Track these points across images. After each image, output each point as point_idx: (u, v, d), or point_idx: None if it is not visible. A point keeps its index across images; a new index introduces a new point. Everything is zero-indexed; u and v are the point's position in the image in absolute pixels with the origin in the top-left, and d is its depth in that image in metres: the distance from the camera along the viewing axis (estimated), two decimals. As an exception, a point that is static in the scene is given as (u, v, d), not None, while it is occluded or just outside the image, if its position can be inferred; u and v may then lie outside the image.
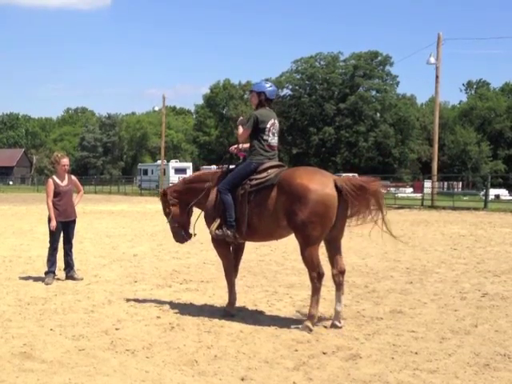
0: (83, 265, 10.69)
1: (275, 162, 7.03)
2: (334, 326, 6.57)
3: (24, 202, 35.74)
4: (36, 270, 10.08)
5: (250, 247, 9.78)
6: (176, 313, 7.22)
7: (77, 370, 5.15)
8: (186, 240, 7.78)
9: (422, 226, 19.85)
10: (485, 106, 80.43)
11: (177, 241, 7.85)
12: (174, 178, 47.92)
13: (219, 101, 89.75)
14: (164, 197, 7.69)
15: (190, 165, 63.89)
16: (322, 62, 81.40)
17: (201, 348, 5.80)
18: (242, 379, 4.98)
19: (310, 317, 6.44)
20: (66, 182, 9.48)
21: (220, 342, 6.04)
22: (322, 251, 6.63)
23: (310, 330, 6.34)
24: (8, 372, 5.10)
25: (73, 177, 9.78)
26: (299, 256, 6.65)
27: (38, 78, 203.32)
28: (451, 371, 5.17)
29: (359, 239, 13.55)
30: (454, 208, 30.10)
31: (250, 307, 7.60)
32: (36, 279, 9.38)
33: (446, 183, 54.64)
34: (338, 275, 6.59)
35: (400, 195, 43.21)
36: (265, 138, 6.95)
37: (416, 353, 5.68)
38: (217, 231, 6.95)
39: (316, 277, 6.41)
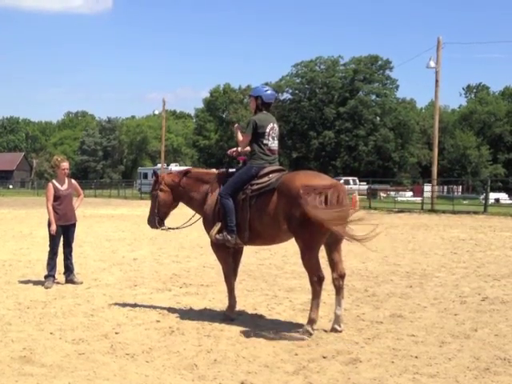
0: (83, 268, 10.69)
1: (276, 167, 7.02)
2: (333, 329, 6.57)
3: (24, 206, 35.74)
4: (36, 274, 10.07)
5: (249, 251, 9.79)
6: (176, 317, 7.22)
7: (76, 374, 5.15)
8: (156, 228, 7.81)
9: (421, 230, 19.85)
10: (484, 110, 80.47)
11: (148, 223, 7.88)
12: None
13: (219, 105, 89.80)
14: (158, 179, 7.72)
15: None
16: (321, 66, 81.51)
17: (200, 352, 5.80)
18: (242, 383, 4.97)
19: (310, 321, 6.43)
20: (65, 186, 9.48)
21: (220, 346, 6.03)
22: (322, 255, 6.63)
23: (310, 334, 6.33)
24: (8, 376, 5.09)
25: (73, 181, 9.78)
26: (299, 260, 6.64)
27: (39, 81, 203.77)
28: (451, 375, 5.16)
29: (359, 243, 13.52)
30: (453, 212, 30.10)
31: (250, 311, 7.60)
32: (36, 283, 9.37)
33: (445, 187, 54.54)
34: (338, 279, 6.58)
35: (400, 199, 43.28)
36: (265, 142, 6.95)
37: (416, 357, 5.68)
38: (217, 236, 6.95)
39: (316, 281, 6.40)
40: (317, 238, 6.34)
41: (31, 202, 41.36)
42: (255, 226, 6.74)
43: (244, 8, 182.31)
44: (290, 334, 6.38)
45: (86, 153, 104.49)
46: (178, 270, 10.90)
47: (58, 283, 9.39)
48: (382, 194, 48.67)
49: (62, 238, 9.45)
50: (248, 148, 7.20)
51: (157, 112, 68.16)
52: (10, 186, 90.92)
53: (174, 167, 63.02)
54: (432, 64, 33.76)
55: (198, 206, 7.44)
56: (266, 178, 6.79)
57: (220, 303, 7.91)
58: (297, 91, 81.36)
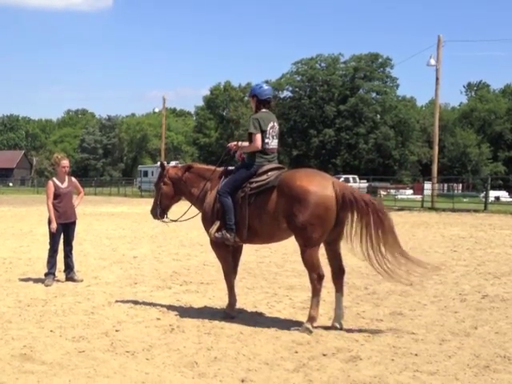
0: (83, 266, 10.69)
1: (275, 165, 7.01)
2: (334, 327, 6.57)
3: (24, 204, 35.75)
4: (36, 272, 10.07)
5: (249, 249, 9.79)
6: (176, 314, 7.22)
7: (77, 372, 5.15)
8: (158, 219, 7.88)
9: (421, 228, 19.85)
10: (485, 107, 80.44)
11: (151, 213, 7.96)
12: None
13: (219, 103, 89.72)
14: (163, 172, 7.77)
15: None
16: (322, 64, 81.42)
17: (201, 350, 5.80)
18: (242, 381, 4.97)
19: (310, 318, 6.43)
20: (66, 184, 9.48)
21: (220, 343, 6.04)
22: (322, 252, 6.63)
23: (310, 332, 6.34)
24: (8, 374, 5.10)
25: (73, 178, 9.79)
26: (299, 258, 6.65)
27: (39, 79, 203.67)
28: (451, 373, 5.17)
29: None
30: (453, 210, 30.11)
31: (250, 309, 7.60)
32: (36, 281, 9.38)
33: (446, 185, 54.64)
34: (338, 277, 6.58)
35: (400, 197, 43.25)
36: (265, 140, 6.93)
37: (416, 355, 5.68)
38: (216, 234, 6.94)
39: (316, 278, 6.41)
40: (316, 236, 6.34)
41: (31, 200, 41.36)
42: (254, 224, 6.73)
43: (244, 6, 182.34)
44: (290, 332, 6.39)
45: (86, 151, 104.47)
46: (178, 267, 10.91)
47: (58, 281, 9.40)
48: (383, 192, 48.66)
49: (62, 236, 9.46)
50: (246, 143, 7.21)
51: (157, 110, 68.10)
52: (10, 184, 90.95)
53: (174, 165, 63.12)
54: (432, 62, 33.75)
55: (197, 202, 7.45)
56: (264, 176, 6.78)
57: (220, 301, 7.91)
58: (297, 89, 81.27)
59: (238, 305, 7.41)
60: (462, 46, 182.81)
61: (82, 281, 9.41)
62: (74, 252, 9.74)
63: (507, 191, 49.64)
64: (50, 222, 9.29)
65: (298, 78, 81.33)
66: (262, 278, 9.86)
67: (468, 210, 29.66)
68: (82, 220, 16.34)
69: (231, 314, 7.13)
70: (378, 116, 77.46)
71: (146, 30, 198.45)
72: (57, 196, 9.33)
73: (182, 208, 7.94)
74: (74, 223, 9.63)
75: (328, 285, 7.35)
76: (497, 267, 11.13)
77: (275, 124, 7.07)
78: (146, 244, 14.67)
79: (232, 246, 7.12)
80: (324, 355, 5.67)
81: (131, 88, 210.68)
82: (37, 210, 27.15)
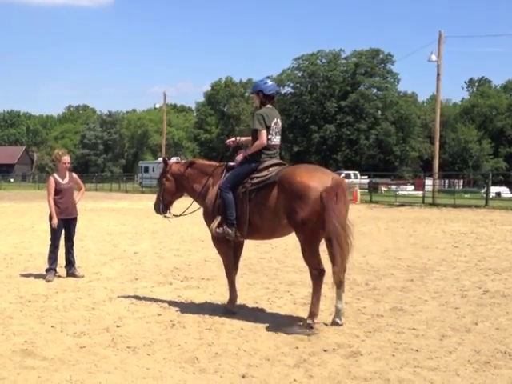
0: (84, 262, 10.70)
1: (276, 160, 7.01)
2: (334, 323, 6.58)
3: (25, 200, 35.77)
4: (37, 268, 10.09)
5: (250, 245, 9.79)
6: (177, 310, 7.23)
7: (78, 367, 5.16)
8: (161, 214, 7.91)
9: (422, 224, 19.85)
10: (486, 103, 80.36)
11: (154, 208, 8.00)
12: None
13: (220, 98, 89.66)
14: (166, 167, 7.80)
15: None
16: (323, 60, 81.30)
17: (201, 345, 5.81)
18: (243, 376, 4.98)
19: (311, 314, 6.43)
20: (66, 180, 9.48)
21: (221, 339, 6.04)
22: (323, 248, 6.63)
23: (311, 328, 6.34)
24: (9, 369, 5.11)
25: (74, 174, 9.79)
26: (300, 254, 6.65)
27: (39, 75, 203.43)
28: (452, 369, 5.17)
29: (360, 237, 13.53)
30: (454, 206, 30.09)
31: (251, 305, 7.61)
32: (37, 276, 9.39)
33: (447, 181, 54.57)
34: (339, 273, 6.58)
35: (401, 193, 43.25)
36: (268, 136, 6.92)
37: (417, 350, 5.69)
38: (217, 229, 6.95)
39: (317, 274, 6.41)
40: (317, 232, 6.33)
41: (32, 196, 41.39)
42: (255, 219, 6.73)
43: (245, 2, 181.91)
44: (291, 328, 6.39)
45: (86, 146, 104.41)
46: (179, 263, 10.92)
47: (59, 277, 9.41)
48: (383, 188, 48.65)
49: (63, 232, 9.47)
50: (245, 138, 7.21)
51: (158, 106, 68.00)
52: (11, 180, 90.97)
53: (175, 161, 63.11)
54: (433, 58, 33.67)
55: (199, 198, 7.46)
56: (265, 172, 6.77)
57: (221, 297, 7.92)
58: (298, 85, 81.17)
59: (239, 300, 7.42)
60: (464, 42, 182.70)
61: (83, 276, 9.42)
62: (75, 248, 9.75)
63: (508, 187, 49.57)
64: (51, 218, 9.30)
65: (299, 74, 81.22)
66: (263, 274, 9.86)
67: (469, 206, 29.64)
68: (83, 216, 16.35)
69: (232, 309, 7.14)
70: (379, 112, 77.37)
71: (147, 26, 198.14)
72: (58, 192, 9.34)
73: (182, 204, 7.95)
74: (75, 219, 9.63)
75: (329, 281, 7.35)
76: (498, 263, 11.13)
77: (278, 120, 7.07)
78: (146, 240, 14.68)
79: (233, 241, 7.12)
80: (325, 351, 5.68)
81: (132, 84, 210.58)
82: (38, 206, 27.16)
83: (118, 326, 6.50)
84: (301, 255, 6.62)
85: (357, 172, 55.01)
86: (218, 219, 6.95)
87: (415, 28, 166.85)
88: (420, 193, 38.59)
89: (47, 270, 9.33)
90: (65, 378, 4.91)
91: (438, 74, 34.08)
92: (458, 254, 12.28)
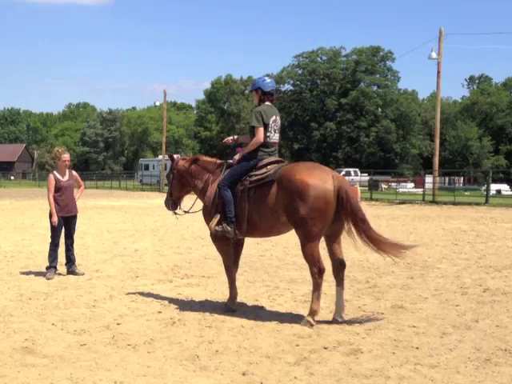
0: (84, 260, 10.71)
1: (275, 158, 7.00)
2: (335, 320, 6.58)
3: (25, 197, 35.79)
4: (37, 265, 10.09)
5: (250, 242, 9.80)
6: (177, 308, 7.23)
7: (78, 365, 5.16)
8: (171, 210, 7.97)
9: (423, 221, 19.85)
10: (487, 101, 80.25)
11: (165, 204, 8.09)
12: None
13: (220, 96, 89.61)
14: (173, 163, 7.87)
15: None
16: (323, 57, 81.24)
17: (202, 343, 5.81)
18: (244, 374, 4.98)
19: (312, 312, 6.44)
20: (66, 178, 9.48)
21: (221, 336, 6.04)
22: (323, 246, 6.63)
23: (311, 325, 6.34)
24: (9, 367, 5.11)
25: (74, 172, 9.79)
26: (300, 251, 6.64)
27: (40, 72, 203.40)
28: (452, 366, 5.17)
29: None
30: (455, 203, 30.10)
31: (251, 302, 7.60)
32: (37, 274, 9.39)
33: (447, 178, 54.54)
34: (339, 270, 6.59)
35: (401, 190, 43.23)
36: (267, 134, 6.92)
37: (417, 348, 5.69)
38: (216, 227, 6.94)
39: (317, 272, 6.40)
40: (317, 230, 6.33)
41: (32, 193, 41.41)
42: (254, 217, 6.73)
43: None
44: (292, 325, 6.39)
45: (87, 144, 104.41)
46: (180, 261, 10.92)
47: (59, 274, 9.41)
48: (384, 186, 48.67)
49: (63, 230, 9.47)
50: (243, 137, 7.21)
51: (158, 103, 67.96)
52: (12, 177, 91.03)
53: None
54: (434, 55, 33.63)
55: (200, 194, 7.48)
56: (264, 170, 6.77)
57: (221, 294, 7.92)
58: (298, 82, 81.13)
59: (239, 298, 7.42)
60: (464, 39, 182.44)
61: (83, 274, 9.42)
62: (75, 245, 9.75)
63: (508, 184, 49.59)
64: (51, 216, 9.30)
65: (300, 72, 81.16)
66: (264, 272, 9.86)
67: (469, 204, 29.65)
68: (83, 213, 16.37)
69: (232, 307, 7.14)
70: (380, 109, 77.36)
71: (147, 23, 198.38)
72: (58, 189, 9.34)
73: (188, 201, 7.96)
74: (75, 217, 9.64)
75: (329, 278, 7.36)
76: (498, 260, 11.13)
77: (277, 118, 7.07)
78: (147, 237, 14.68)
79: (233, 239, 7.12)
80: (325, 348, 5.68)
81: (132, 81, 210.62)
82: (38, 204, 27.17)
83: (118, 324, 6.50)
84: (301, 253, 6.62)
85: (357, 169, 55.04)
86: (217, 217, 6.95)
87: (415, 25, 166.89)
88: (420, 190, 38.60)
89: (47, 268, 9.33)
90: (65, 375, 4.91)
91: (439, 72, 34.04)
92: (458, 252, 12.28)
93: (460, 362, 5.29)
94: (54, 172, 9.56)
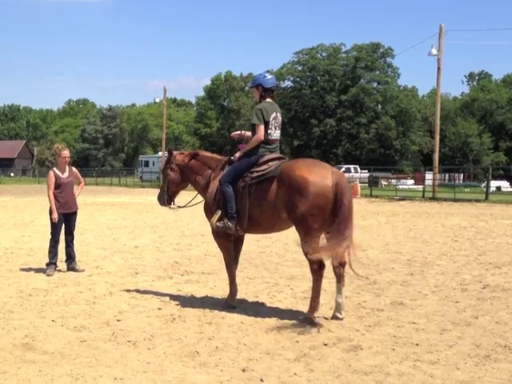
0: (84, 256, 10.71)
1: (276, 155, 7.00)
2: (334, 317, 6.58)
3: (25, 194, 35.78)
4: (37, 262, 10.09)
5: (250, 239, 9.78)
6: (177, 304, 7.24)
7: (78, 361, 5.16)
8: (165, 205, 7.92)
9: (423, 218, 19.85)
10: (486, 97, 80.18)
11: (158, 199, 8.02)
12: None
13: (220, 92, 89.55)
14: (170, 157, 7.80)
15: None
16: (323, 54, 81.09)
17: (202, 339, 5.81)
18: (243, 370, 4.99)
19: (311, 308, 6.44)
20: (66, 174, 9.48)
21: (221, 333, 6.05)
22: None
23: (311, 322, 6.34)
24: (10, 363, 5.11)
25: (73, 169, 9.78)
26: (300, 248, 6.64)
27: (39, 69, 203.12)
28: (452, 362, 5.18)
29: (360, 231, 13.54)
30: (455, 200, 30.10)
31: (251, 299, 7.61)
32: (37, 271, 9.40)
33: (447, 175, 54.54)
34: (339, 267, 6.59)
35: (401, 187, 43.26)
36: (268, 131, 6.91)
37: (417, 344, 5.69)
38: (218, 223, 6.94)
39: (317, 268, 6.40)
40: (317, 226, 6.32)
41: (32, 190, 41.39)
42: (254, 213, 6.73)
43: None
44: (291, 322, 6.39)
45: (87, 141, 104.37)
46: (180, 257, 10.92)
47: (59, 271, 9.42)
48: (384, 182, 48.67)
49: (63, 226, 9.47)
50: (249, 133, 7.20)
51: (158, 100, 67.93)
52: (12, 174, 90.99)
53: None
54: (434, 51, 33.58)
55: (201, 190, 7.48)
56: (265, 166, 6.77)
57: (221, 291, 7.93)
58: (298, 79, 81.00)
59: (239, 295, 7.42)
60: (464, 36, 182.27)
61: (83, 271, 9.42)
62: (75, 242, 9.75)
63: (508, 181, 49.59)
64: (51, 212, 9.30)
65: (300, 68, 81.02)
66: (264, 268, 9.87)
67: (469, 200, 29.65)
68: (83, 210, 16.36)
69: (232, 303, 7.15)
70: (379, 106, 77.23)
71: (147, 20, 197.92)
72: (58, 186, 9.33)
73: (184, 198, 7.95)
74: (75, 213, 9.63)
75: (329, 275, 7.36)
76: (498, 257, 11.13)
77: (278, 115, 7.06)
78: (147, 234, 14.68)
79: (233, 235, 7.12)
80: (325, 345, 5.68)
81: (132, 78, 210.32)
82: (38, 200, 27.16)
83: (118, 320, 6.51)
84: (301, 249, 6.62)
85: (357, 166, 55.00)
86: (219, 213, 6.95)
87: (415, 22, 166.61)
88: (420, 187, 38.58)
89: (47, 265, 9.34)
90: (65, 371, 4.91)
91: (439, 68, 33.99)
92: (458, 248, 12.28)
93: (460, 358, 5.30)
94: (54, 169, 9.55)
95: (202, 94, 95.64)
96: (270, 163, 6.79)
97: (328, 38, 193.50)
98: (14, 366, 5.06)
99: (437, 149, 34.82)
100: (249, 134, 7.28)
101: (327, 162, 7.07)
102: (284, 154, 7.40)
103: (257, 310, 7.01)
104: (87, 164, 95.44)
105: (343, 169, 48.30)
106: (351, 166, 54.56)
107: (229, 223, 6.84)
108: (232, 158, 7.21)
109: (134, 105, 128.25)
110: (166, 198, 7.84)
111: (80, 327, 6.22)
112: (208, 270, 9.60)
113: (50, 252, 9.39)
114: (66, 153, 9.49)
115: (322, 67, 78.48)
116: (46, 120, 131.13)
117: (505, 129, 78.78)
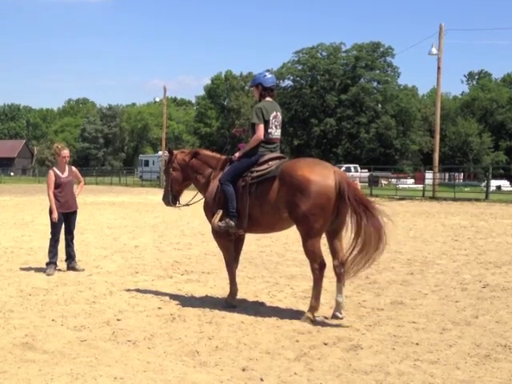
0: (84, 256, 10.71)
1: (276, 154, 6.99)
2: (335, 316, 6.58)
3: (25, 193, 35.78)
4: (37, 261, 10.09)
5: (250, 238, 9.80)
6: (177, 304, 7.24)
7: (78, 361, 5.16)
8: (171, 205, 7.90)
9: (423, 217, 19.84)
10: (486, 97, 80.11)
11: (163, 200, 7.99)
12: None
13: (220, 92, 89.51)
14: (171, 157, 7.80)
15: None
16: (323, 53, 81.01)
17: (202, 339, 5.81)
18: (243, 370, 4.99)
19: (312, 308, 6.44)
20: (66, 174, 9.48)
21: (221, 332, 6.05)
22: (324, 242, 6.63)
23: (312, 321, 6.35)
24: (10, 363, 5.11)
25: (73, 168, 9.78)
26: (300, 247, 6.65)
27: (39, 68, 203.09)
28: (452, 362, 5.18)
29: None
30: (455, 199, 30.10)
31: (251, 298, 7.61)
32: (37, 270, 9.40)
33: (447, 174, 54.55)
34: (339, 266, 6.58)
35: (401, 186, 43.24)
36: (268, 130, 6.91)
37: (417, 344, 5.69)
38: (219, 223, 6.93)
39: (317, 268, 6.41)
40: (318, 226, 6.33)
41: (32, 189, 41.39)
42: (255, 213, 6.72)
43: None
44: (291, 321, 6.39)
45: (86, 140, 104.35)
46: (180, 257, 10.92)
47: (59, 270, 9.42)
48: (384, 182, 48.64)
49: (63, 226, 9.46)
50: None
51: (158, 99, 67.88)
52: (12, 173, 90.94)
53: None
54: (434, 51, 33.57)
55: (202, 189, 7.48)
56: (265, 166, 6.76)
57: (221, 290, 7.93)
58: (298, 78, 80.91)
59: (240, 294, 7.42)
60: (464, 35, 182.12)
61: (83, 270, 9.42)
62: (75, 241, 9.75)
63: (508, 180, 49.55)
64: (51, 212, 9.29)
65: (300, 67, 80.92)
66: (264, 268, 9.87)
67: (469, 200, 29.64)
68: (83, 209, 16.36)
69: (232, 303, 7.15)
70: (380, 105, 77.16)
71: (147, 19, 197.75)
72: (58, 186, 9.33)
73: (187, 196, 7.95)
74: (75, 212, 9.63)
75: (329, 274, 7.36)
76: (498, 256, 11.13)
77: (278, 114, 7.05)
78: (147, 233, 14.68)
79: (234, 235, 7.11)
80: (325, 344, 5.68)
81: (132, 77, 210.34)
82: (38, 200, 27.16)
83: (118, 320, 6.51)
84: (301, 249, 6.62)
85: (357, 165, 55.00)
86: (220, 213, 6.94)
87: (415, 21, 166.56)
88: (420, 186, 38.58)
89: (47, 264, 9.34)
90: (65, 371, 4.91)
91: (439, 68, 33.98)
92: (458, 248, 12.28)
93: (460, 357, 5.30)
94: (54, 168, 9.55)
95: (202, 93, 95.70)
96: (270, 163, 6.79)
97: (328, 37, 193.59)
98: (14, 365, 5.06)
99: (437, 148, 34.81)
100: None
101: (327, 162, 7.06)
102: (284, 154, 7.39)
103: (257, 309, 7.01)
104: (87, 163, 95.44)
105: (343, 168, 48.26)
106: (351, 166, 54.55)
107: (231, 222, 6.83)
108: (232, 157, 7.21)
109: (134, 104, 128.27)
110: (172, 198, 7.82)
111: (80, 327, 6.22)
112: (208, 270, 9.60)
113: (50, 251, 9.39)
114: (66, 152, 9.49)
115: (322, 66, 78.40)
116: (46, 119, 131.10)
117: (505, 128, 78.71)
